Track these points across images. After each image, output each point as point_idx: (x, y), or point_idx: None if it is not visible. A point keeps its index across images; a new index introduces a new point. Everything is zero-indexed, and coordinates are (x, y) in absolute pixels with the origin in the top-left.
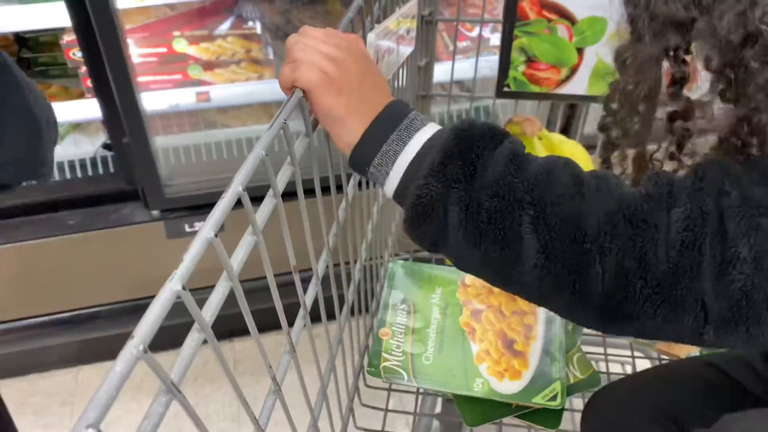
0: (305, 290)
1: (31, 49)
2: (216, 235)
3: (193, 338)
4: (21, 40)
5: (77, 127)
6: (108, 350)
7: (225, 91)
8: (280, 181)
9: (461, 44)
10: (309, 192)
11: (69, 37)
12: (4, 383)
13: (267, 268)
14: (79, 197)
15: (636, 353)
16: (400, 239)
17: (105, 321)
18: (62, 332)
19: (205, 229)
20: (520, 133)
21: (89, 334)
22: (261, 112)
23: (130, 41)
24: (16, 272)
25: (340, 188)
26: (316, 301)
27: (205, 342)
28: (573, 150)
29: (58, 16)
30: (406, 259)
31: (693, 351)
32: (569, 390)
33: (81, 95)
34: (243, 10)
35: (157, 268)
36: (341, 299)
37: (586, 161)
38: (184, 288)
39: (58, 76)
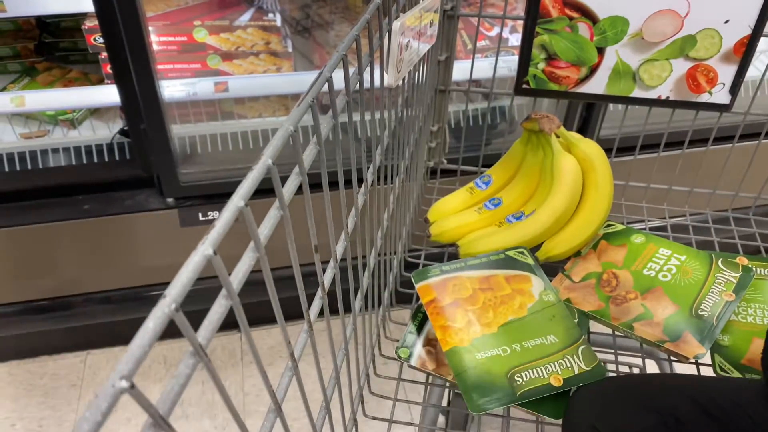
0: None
1: (53, 33)
2: (246, 205)
3: (220, 304)
4: (43, 24)
5: (95, 112)
6: (117, 335)
7: (243, 82)
8: (306, 159)
9: (480, 43)
10: (330, 183)
11: (91, 23)
12: (15, 364)
13: (290, 241)
14: (95, 182)
15: (645, 355)
16: (414, 232)
17: (115, 306)
18: (73, 316)
19: (236, 198)
20: (537, 129)
21: (99, 319)
22: (278, 104)
23: (151, 29)
24: (30, 254)
25: (360, 181)
26: (332, 293)
27: (232, 327)
28: (590, 149)
29: (80, 1)
30: (419, 255)
31: (700, 351)
32: (573, 381)
33: (100, 81)
34: (263, 2)
35: (170, 255)
36: (357, 290)
37: (602, 161)
38: (215, 253)
39: (79, 62)
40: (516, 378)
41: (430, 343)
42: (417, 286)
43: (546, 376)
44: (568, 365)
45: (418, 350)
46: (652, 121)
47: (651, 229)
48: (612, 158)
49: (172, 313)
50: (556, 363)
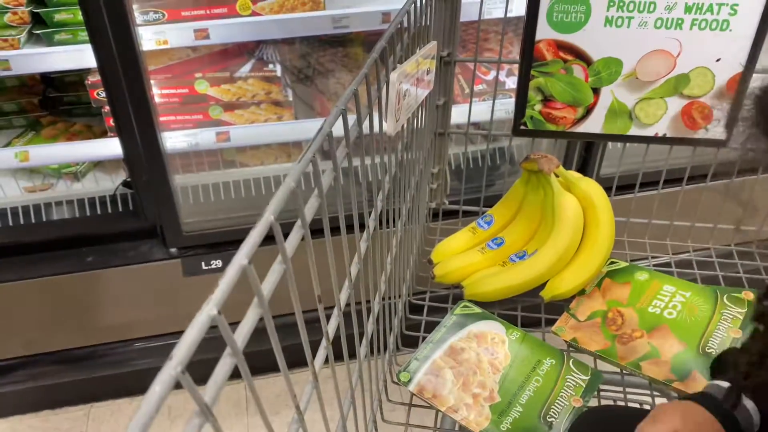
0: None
1: (57, 88)
2: (249, 263)
3: (225, 363)
4: (47, 79)
5: (98, 164)
6: (121, 388)
7: (245, 131)
8: (308, 212)
9: (477, 87)
10: (332, 228)
11: (94, 78)
12: (17, 419)
13: (294, 297)
14: (98, 234)
15: (655, 392)
16: (419, 274)
17: (119, 358)
18: (76, 369)
19: (240, 256)
20: (536, 169)
21: (103, 371)
22: (279, 152)
23: (152, 82)
24: (34, 308)
25: (362, 226)
26: (337, 339)
27: (238, 376)
28: (589, 188)
29: (84, 58)
30: (423, 297)
31: None
32: (583, 394)
33: (104, 133)
34: (264, 52)
35: (174, 305)
36: (362, 336)
37: (602, 199)
38: (219, 312)
39: (82, 115)
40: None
41: (433, 372)
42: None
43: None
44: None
45: (419, 377)
46: (651, 159)
47: (655, 265)
48: (612, 196)
49: (179, 376)
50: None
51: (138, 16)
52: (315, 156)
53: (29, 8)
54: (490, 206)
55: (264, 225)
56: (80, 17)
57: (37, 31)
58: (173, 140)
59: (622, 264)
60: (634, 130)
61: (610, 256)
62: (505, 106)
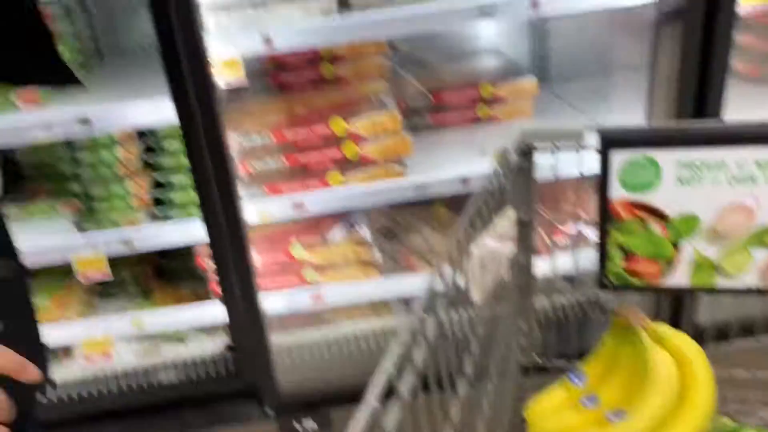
0: None
1: (167, 256)
2: None
3: None
4: (159, 252)
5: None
6: None
7: (337, 291)
8: (404, 390)
9: (560, 240)
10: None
11: (200, 246)
12: None
13: None
14: (200, 396)
15: None
16: None
17: None
18: None
19: None
20: (626, 324)
21: None
22: (368, 310)
23: (253, 249)
24: None
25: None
26: None
27: None
28: (681, 343)
29: (194, 233)
30: None
31: None
32: None
33: (206, 296)
34: (353, 216)
35: None
36: None
37: (696, 355)
38: None
39: (188, 279)
40: None
41: None
42: None
43: None
44: None
45: None
46: (748, 304)
47: (766, 424)
48: (707, 345)
49: None
50: None
51: (242, 193)
52: (405, 355)
53: (152, 195)
54: (582, 359)
55: (367, 411)
56: (194, 197)
57: (158, 213)
58: (271, 303)
59: (729, 424)
60: (722, 282)
61: (712, 415)
62: (591, 257)
